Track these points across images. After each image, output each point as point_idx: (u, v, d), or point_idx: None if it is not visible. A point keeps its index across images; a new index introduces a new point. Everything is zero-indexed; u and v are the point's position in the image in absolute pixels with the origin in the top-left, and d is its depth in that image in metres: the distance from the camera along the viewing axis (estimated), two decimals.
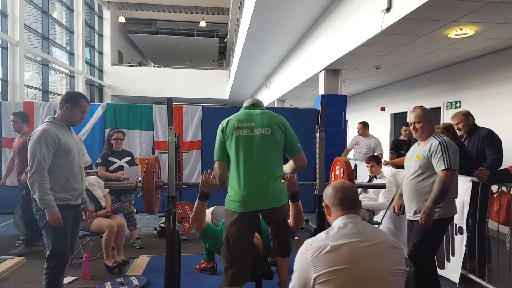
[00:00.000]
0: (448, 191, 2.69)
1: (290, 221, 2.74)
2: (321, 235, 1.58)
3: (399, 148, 6.08)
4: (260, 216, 2.85)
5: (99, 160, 4.55)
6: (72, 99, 2.77)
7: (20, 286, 3.41)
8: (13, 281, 3.52)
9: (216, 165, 2.50)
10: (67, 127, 2.81)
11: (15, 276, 3.65)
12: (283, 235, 2.55)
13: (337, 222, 1.63)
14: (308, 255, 1.50)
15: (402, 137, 6.19)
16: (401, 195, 3.41)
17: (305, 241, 1.59)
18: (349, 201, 1.67)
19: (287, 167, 2.67)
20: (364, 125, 6.38)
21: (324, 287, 1.45)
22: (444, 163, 2.65)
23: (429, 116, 2.88)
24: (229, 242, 2.35)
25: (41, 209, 2.57)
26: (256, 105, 2.54)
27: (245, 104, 2.58)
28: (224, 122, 2.49)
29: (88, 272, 3.62)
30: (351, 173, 2.90)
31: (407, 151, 5.71)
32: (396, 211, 3.42)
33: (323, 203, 1.77)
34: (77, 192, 2.80)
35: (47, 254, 2.68)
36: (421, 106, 2.95)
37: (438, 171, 2.68)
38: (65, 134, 2.75)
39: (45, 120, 2.76)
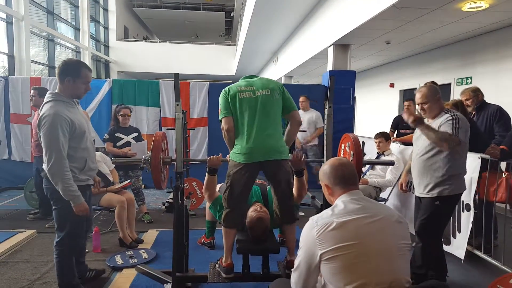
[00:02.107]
0: (438, 145, 2.66)
1: (293, 192, 2.77)
2: (327, 212, 1.58)
3: (400, 126, 5.97)
4: (268, 188, 2.88)
5: (106, 136, 4.57)
6: (72, 70, 2.55)
7: (32, 258, 3.50)
8: (25, 254, 3.61)
9: (223, 121, 2.56)
10: (73, 101, 2.64)
11: (27, 249, 3.73)
12: (286, 195, 2.59)
13: (341, 200, 1.62)
14: (313, 232, 1.50)
15: None
16: (408, 172, 3.39)
17: (310, 218, 1.59)
18: (350, 178, 1.66)
19: (287, 140, 2.70)
20: (308, 98, 6.19)
21: (330, 263, 1.46)
22: (454, 132, 2.60)
23: (436, 94, 2.79)
24: (233, 188, 2.51)
25: (57, 191, 2.44)
26: (253, 75, 2.75)
27: (242, 77, 2.76)
28: (226, 88, 2.62)
29: (98, 245, 3.70)
30: (359, 150, 2.88)
31: (409, 128, 5.65)
32: (404, 188, 3.41)
33: (322, 184, 1.75)
34: (94, 172, 2.78)
35: (61, 236, 2.60)
36: (427, 84, 2.86)
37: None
38: (75, 113, 2.58)
39: (49, 98, 2.52)
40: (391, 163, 3.36)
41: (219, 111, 2.59)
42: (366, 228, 1.50)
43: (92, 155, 2.74)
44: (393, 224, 1.56)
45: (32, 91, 4.44)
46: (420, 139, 2.90)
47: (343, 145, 3.20)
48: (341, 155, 3.17)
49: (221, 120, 2.57)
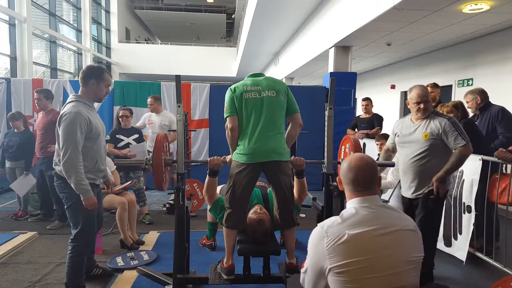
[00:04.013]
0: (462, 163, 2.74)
1: (294, 194, 2.77)
2: (336, 219, 1.46)
3: (358, 126, 5.97)
4: (269, 190, 2.87)
5: (107, 137, 4.58)
6: (96, 74, 2.71)
7: (34, 260, 3.50)
8: (27, 255, 3.61)
9: (228, 120, 2.57)
10: (93, 106, 2.80)
11: (29, 250, 3.74)
12: (286, 198, 2.59)
13: (352, 205, 1.51)
14: (323, 244, 1.41)
15: (362, 115, 6.03)
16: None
17: (319, 225, 1.47)
18: (361, 183, 1.50)
19: (287, 141, 2.70)
20: (156, 100, 5.35)
21: (338, 276, 1.39)
22: (463, 138, 2.69)
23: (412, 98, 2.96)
24: (235, 188, 2.53)
25: (69, 188, 2.57)
26: (259, 73, 2.76)
27: (248, 75, 2.76)
28: (231, 87, 2.63)
29: (100, 246, 3.69)
30: (359, 152, 2.88)
31: (367, 127, 5.66)
32: None
33: (337, 178, 1.73)
34: (102, 173, 2.87)
35: (75, 232, 2.70)
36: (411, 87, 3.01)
37: (457, 147, 2.70)
38: (94, 116, 2.73)
39: (72, 99, 2.67)
40: (391, 164, 3.36)
41: (224, 109, 2.60)
42: (379, 242, 1.40)
43: (103, 157, 2.85)
44: (407, 235, 1.46)
45: (36, 94, 4.44)
46: (413, 139, 2.89)
47: (343, 146, 3.20)
48: (342, 157, 3.17)
49: (225, 118, 2.58)
